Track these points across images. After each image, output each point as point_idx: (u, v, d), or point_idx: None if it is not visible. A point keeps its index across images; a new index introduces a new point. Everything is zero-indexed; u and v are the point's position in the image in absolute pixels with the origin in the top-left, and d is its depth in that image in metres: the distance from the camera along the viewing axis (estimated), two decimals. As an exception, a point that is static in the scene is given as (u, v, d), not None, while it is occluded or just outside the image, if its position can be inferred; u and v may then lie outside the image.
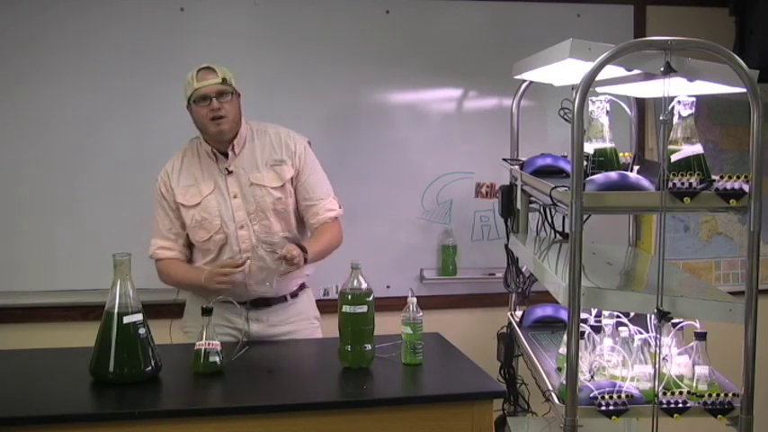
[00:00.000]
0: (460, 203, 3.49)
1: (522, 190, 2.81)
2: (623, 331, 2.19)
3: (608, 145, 2.25)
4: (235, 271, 2.56)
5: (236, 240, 2.67)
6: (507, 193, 2.99)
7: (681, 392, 1.97)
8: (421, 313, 2.41)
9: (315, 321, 2.87)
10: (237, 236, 2.66)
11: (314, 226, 2.75)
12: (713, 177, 1.97)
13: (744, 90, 1.92)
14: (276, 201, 2.68)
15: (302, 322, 2.79)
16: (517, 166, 2.83)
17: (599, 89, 2.35)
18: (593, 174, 2.09)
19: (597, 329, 2.17)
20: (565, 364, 2.01)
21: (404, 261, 3.45)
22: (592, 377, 2.05)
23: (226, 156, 2.69)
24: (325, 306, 2.96)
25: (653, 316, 2.00)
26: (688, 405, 1.96)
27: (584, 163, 2.09)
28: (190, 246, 2.76)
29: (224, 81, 2.62)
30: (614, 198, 1.99)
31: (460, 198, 3.49)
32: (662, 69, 1.94)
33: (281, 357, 2.63)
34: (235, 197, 2.67)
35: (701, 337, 2.06)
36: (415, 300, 2.42)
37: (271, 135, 2.74)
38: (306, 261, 2.59)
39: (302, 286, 2.82)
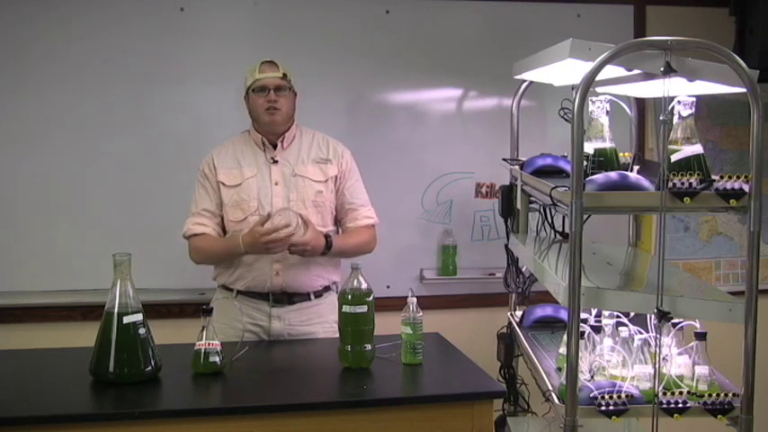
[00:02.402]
0: (460, 203, 3.49)
1: (522, 190, 2.81)
2: (623, 331, 2.18)
3: (608, 145, 2.25)
4: (281, 234, 2.58)
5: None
6: (507, 193, 2.99)
7: (681, 392, 1.97)
8: (421, 313, 2.41)
9: (334, 325, 2.87)
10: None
11: (350, 229, 2.83)
12: (713, 177, 1.97)
13: (744, 90, 1.92)
14: (317, 193, 2.77)
15: (323, 325, 2.81)
16: (517, 166, 2.83)
17: (599, 89, 2.35)
18: (593, 174, 2.09)
19: (597, 329, 2.17)
20: (565, 364, 2.01)
21: (404, 261, 3.45)
22: (592, 377, 2.05)
23: (274, 147, 2.79)
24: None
25: (653, 316, 2.00)
26: (688, 405, 1.96)
27: (585, 163, 2.09)
28: (223, 230, 2.82)
29: (284, 76, 2.75)
30: (614, 198, 1.99)
31: (460, 198, 3.49)
32: (662, 69, 1.94)
33: (282, 357, 2.64)
34: (276, 184, 2.76)
35: (701, 337, 2.06)
36: (415, 300, 2.42)
37: (318, 137, 2.88)
38: (328, 250, 2.68)
39: (327, 288, 2.84)
